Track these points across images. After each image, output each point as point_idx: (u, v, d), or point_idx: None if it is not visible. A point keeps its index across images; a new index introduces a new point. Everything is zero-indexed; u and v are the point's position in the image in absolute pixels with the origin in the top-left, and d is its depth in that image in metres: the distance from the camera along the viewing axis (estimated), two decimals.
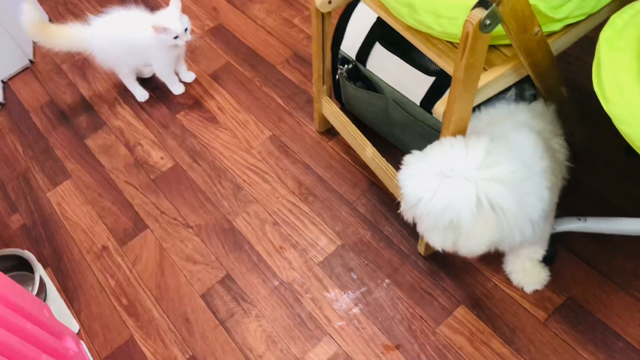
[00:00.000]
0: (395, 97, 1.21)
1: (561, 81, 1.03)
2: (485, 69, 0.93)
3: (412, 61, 1.17)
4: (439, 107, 0.94)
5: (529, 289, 1.14)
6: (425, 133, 1.18)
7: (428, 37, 0.99)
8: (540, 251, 1.09)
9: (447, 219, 0.87)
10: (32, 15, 1.52)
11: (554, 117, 1.05)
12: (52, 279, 1.35)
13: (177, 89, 1.68)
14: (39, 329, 1.01)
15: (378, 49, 1.23)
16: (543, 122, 1.01)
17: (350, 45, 1.30)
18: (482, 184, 0.86)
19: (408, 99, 1.18)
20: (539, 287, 1.14)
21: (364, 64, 1.27)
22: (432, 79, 1.14)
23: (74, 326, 1.27)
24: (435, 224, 0.90)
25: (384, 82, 1.23)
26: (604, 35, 0.78)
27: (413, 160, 0.93)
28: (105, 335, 1.26)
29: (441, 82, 1.13)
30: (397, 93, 1.20)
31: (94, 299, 1.31)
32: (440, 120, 0.95)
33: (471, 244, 0.90)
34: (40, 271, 1.30)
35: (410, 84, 1.18)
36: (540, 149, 0.94)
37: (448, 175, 0.87)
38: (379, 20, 1.21)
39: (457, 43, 0.97)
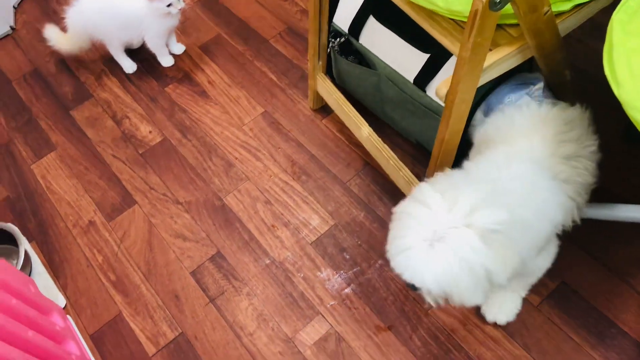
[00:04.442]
0: (388, 73, 1.18)
1: (566, 64, 1.02)
2: (490, 49, 0.91)
3: (407, 37, 1.14)
4: (442, 88, 0.91)
5: (494, 320, 1.09)
6: (417, 111, 1.16)
7: (431, 14, 0.96)
8: (528, 285, 1.06)
9: (476, 275, 0.79)
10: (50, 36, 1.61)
11: (590, 127, 0.96)
12: (37, 253, 1.32)
13: (166, 61, 1.63)
14: (24, 305, 0.98)
15: (372, 23, 1.20)
16: (573, 139, 0.92)
17: (343, 18, 1.26)
18: (473, 220, 0.79)
19: (401, 75, 1.16)
20: (501, 322, 1.08)
21: (357, 38, 1.24)
22: (426, 56, 1.11)
23: (61, 301, 1.24)
24: (472, 286, 0.81)
25: (377, 57, 1.20)
26: (617, 18, 0.76)
27: (405, 253, 0.82)
28: (92, 310, 1.23)
29: (436, 60, 1.10)
30: (390, 69, 1.17)
31: (80, 274, 1.28)
32: (442, 102, 0.93)
33: (503, 277, 0.82)
34: (25, 245, 1.27)
35: (404, 60, 1.15)
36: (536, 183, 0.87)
37: (444, 239, 0.78)
38: None
39: (461, 21, 0.95)
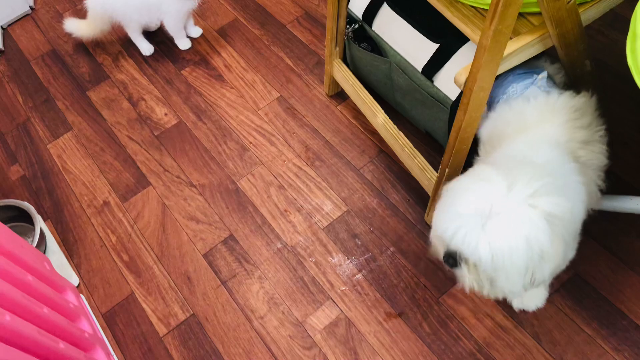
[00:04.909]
0: (398, 61, 1.17)
1: (587, 54, 1.01)
2: (510, 38, 0.91)
3: (419, 25, 1.13)
4: (461, 75, 0.91)
5: (521, 307, 1.09)
6: (425, 100, 1.15)
7: (452, 1, 0.95)
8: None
9: (532, 256, 0.78)
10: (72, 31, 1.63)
11: (597, 113, 0.96)
12: (52, 232, 1.34)
13: (184, 44, 1.63)
14: (39, 282, 0.99)
15: (385, 10, 1.19)
16: (584, 125, 0.93)
17: (358, 4, 1.26)
18: (538, 202, 0.78)
19: (410, 64, 1.15)
20: (541, 304, 1.08)
21: (370, 25, 1.23)
22: (436, 46, 1.10)
23: (74, 280, 1.26)
24: (523, 268, 0.79)
25: (388, 45, 1.20)
26: None
27: (450, 218, 0.81)
28: (105, 290, 1.25)
29: (445, 50, 1.09)
30: (400, 57, 1.17)
31: (94, 254, 1.30)
32: (461, 89, 0.92)
33: (549, 269, 0.81)
34: (40, 223, 1.28)
35: (414, 49, 1.14)
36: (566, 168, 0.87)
37: (502, 212, 0.77)
38: None
39: (482, 8, 0.94)
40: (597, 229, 1.17)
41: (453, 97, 1.07)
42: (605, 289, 1.10)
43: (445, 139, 1.16)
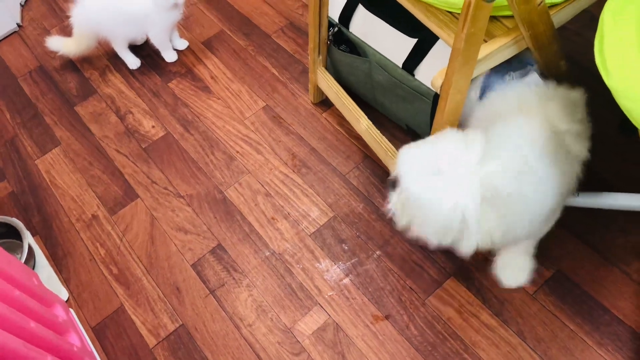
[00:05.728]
0: (378, 59, 1.20)
1: (561, 55, 1.02)
2: (485, 41, 0.92)
3: (395, 23, 1.16)
4: (437, 80, 0.92)
5: (511, 283, 1.11)
6: (407, 95, 1.18)
7: (427, 7, 0.97)
8: (533, 244, 1.08)
9: (455, 217, 0.85)
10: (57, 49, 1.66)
11: (574, 103, 0.98)
12: (41, 247, 1.34)
13: (170, 56, 1.65)
14: (27, 297, 1.00)
15: (361, 11, 1.22)
16: (578, 119, 0.95)
17: (333, 8, 1.28)
18: (486, 175, 0.84)
19: (390, 61, 1.17)
20: (519, 283, 1.10)
21: (347, 27, 1.26)
22: (414, 41, 1.13)
23: (63, 294, 1.26)
24: (440, 224, 0.87)
25: (367, 44, 1.22)
26: (608, 7, 0.76)
27: (410, 156, 0.91)
28: (94, 303, 1.25)
29: (423, 44, 1.11)
30: (380, 55, 1.19)
31: (83, 268, 1.30)
32: (438, 92, 0.94)
33: (473, 240, 0.88)
34: (28, 239, 1.29)
35: (393, 46, 1.17)
36: (547, 155, 0.90)
37: (449, 171, 0.85)
38: None
39: (457, 13, 0.96)
40: (579, 226, 1.18)
41: None
42: (588, 285, 1.11)
43: (427, 132, 1.18)
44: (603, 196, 1.10)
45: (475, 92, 1.08)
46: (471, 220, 0.85)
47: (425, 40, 1.10)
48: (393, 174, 0.94)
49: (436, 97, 1.10)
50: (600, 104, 1.02)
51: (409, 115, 1.22)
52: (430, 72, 1.10)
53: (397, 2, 1.02)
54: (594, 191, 1.13)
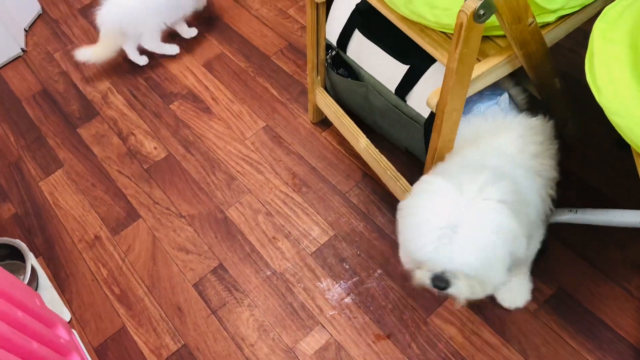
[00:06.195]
0: (373, 84, 1.22)
1: (555, 73, 1.04)
2: (479, 60, 0.94)
3: (389, 49, 1.18)
4: (432, 99, 0.94)
5: (512, 306, 1.12)
6: (401, 119, 1.19)
7: (422, 28, 0.99)
8: (528, 265, 1.08)
9: (508, 240, 0.82)
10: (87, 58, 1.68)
11: (551, 134, 1.01)
12: (43, 268, 1.35)
13: (190, 32, 1.76)
14: (30, 318, 1.00)
15: (357, 36, 1.24)
16: (537, 141, 0.98)
17: (331, 31, 1.30)
18: (488, 193, 0.82)
19: (384, 86, 1.19)
20: (520, 305, 1.11)
21: (345, 51, 1.28)
22: (406, 67, 1.14)
23: (66, 315, 1.27)
24: (504, 259, 0.82)
25: (363, 69, 1.23)
26: (598, 26, 0.78)
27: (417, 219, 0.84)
28: (97, 324, 1.26)
29: (415, 71, 1.13)
30: (375, 80, 1.21)
31: (85, 288, 1.31)
32: (434, 110, 0.95)
33: (522, 245, 0.84)
34: (31, 260, 1.30)
35: (387, 71, 1.18)
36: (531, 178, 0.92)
37: (457, 217, 0.80)
38: (359, 7, 1.21)
39: (452, 34, 0.97)
40: (579, 243, 1.18)
41: (426, 114, 1.11)
42: (589, 302, 1.11)
43: (423, 156, 1.19)
44: (601, 213, 1.10)
45: None
46: (515, 227, 0.82)
47: (417, 67, 1.12)
48: (428, 276, 0.86)
49: (427, 123, 1.11)
50: (596, 120, 1.03)
51: (405, 139, 1.23)
52: (422, 98, 1.11)
53: (391, 27, 1.04)
54: (593, 207, 1.13)
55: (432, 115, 1.09)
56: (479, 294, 0.86)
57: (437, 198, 0.83)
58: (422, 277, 0.88)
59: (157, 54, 1.73)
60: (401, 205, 0.89)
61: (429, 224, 0.81)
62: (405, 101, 1.14)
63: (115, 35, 1.63)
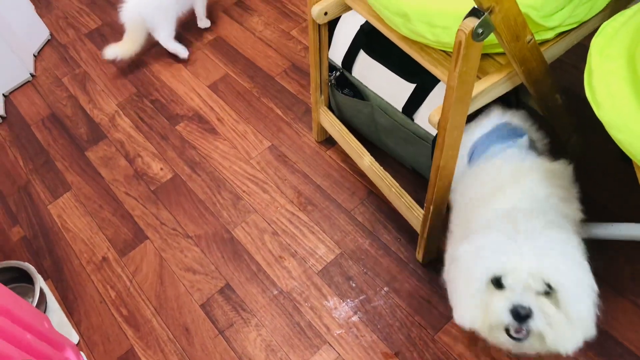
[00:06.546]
0: (379, 103, 1.22)
1: (556, 88, 1.04)
2: (479, 77, 0.95)
3: (395, 68, 1.19)
4: (434, 116, 0.94)
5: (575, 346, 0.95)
6: (408, 138, 1.20)
7: (422, 47, 1.00)
8: None
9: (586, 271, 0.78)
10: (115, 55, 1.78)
11: (573, 178, 0.97)
12: (52, 291, 1.36)
13: (205, 23, 1.89)
14: (38, 340, 1.01)
15: (362, 57, 1.25)
16: (562, 185, 0.94)
17: (336, 53, 1.32)
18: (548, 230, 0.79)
19: (391, 105, 1.20)
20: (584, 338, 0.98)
21: (350, 72, 1.29)
22: (413, 86, 1.16)
23: (74, 337, 1.27)
24: (591, 288, 0.78)
25: (368, 89, 1.25)
26: (595, 42, 0.79)
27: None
28: (105, 346, 1.26)
29: (421, 89, 1.14)
30: (381, 99, 1.22)
31: (93, 310, 1.32)
32: (435, 128, 0.96)
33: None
34: (40, 283, 1.31)
35: (393, 90, 1.19)
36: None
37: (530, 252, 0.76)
38: (363, 28, 1.23)
39: (452, 52, 0.98)
40: (587, 258, 1.17)
41: (434, 132, 1.11)
42: (599, 317, 1.10)
43: (429, 173, 1.19)
44: (609, 227, 1.10)
45: (465, 156, 1.07)
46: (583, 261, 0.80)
47: (423, 86, 1.13)
48: (514, 303, 0.77)
49: (435, 140, 1.12)
50: (600, 135, 1.03)
51: (411, 156, 1.24)
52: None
53: (396, 48, 1.06)
54: (599, 221, 1.13)
55: None
56: (565, 337, 0.76)
57: (501, 241, 0.77)
58: (498, 310, 0.77)
59: (166, 55, 1.78)
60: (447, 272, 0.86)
61: (500, 265, 0.75)
62: (412, 119, 1.15)
63: (139, 28, 1.73)
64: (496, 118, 1.06)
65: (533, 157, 0.97)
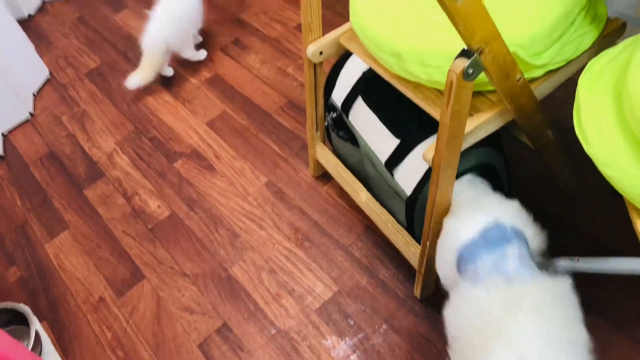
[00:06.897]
0: (366, 152, 1.23)
1: (547, 124, 1.06)
2: (471, 114, 0.96)
3: (385, 120, 1.17)
4: (428, 153, 0.95)
5: None
6: (389, 191, 1.19)
7: (416, 86, 1.02)
8: None
9: None
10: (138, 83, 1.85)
11: (571, 296, 0.88)
12: (47, 332, 1.34)
13: (201, 55, 1.96)
14: None
15: (359, 103, 1.26)
16: (564, 314, 0.86)
17: (338, 95, 1.33)
18: None
19: (377, 156, 1.20)
20: None
21: (347, 115, 1.30)
22: (397, 141, 1.13)
23: None
24: None
25: (359, 135, 1.25)
26: (583, 80, 0.80)
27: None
28: None
29: (405, 146, 1.12)
30: (369, 148, 1.22)
31: (89, 352, 1.30)
32: (430, 165, 0.97)
33: None
34: (36, 325, 1.29)
35: (380, 142, 1.19)
36: None
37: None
38: (364, 75, 1.25)
39: (443, 90, 1.00)
40: (584, 293, 1.17)
41: (408, 192, 1.10)
42: (597, 352, 1.09)
43: (406, 230, 1.19)
44: (604, 261, 1.09)
45: (453, 261, 0.96)
46: None
47: (407, 142, 1.11)
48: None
49: (409, 201, 1.11)
50: (591, 171, 1.04)
51: (391, 211, 1.24)
52: (408, 174, 1.10)
53: (391, 100, 1.07)
54: (595, 256, 1.13)
55: (414, 193, 1.10)
56: None
57: None
58: None
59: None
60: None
61: None
62: (392, 175, 1.14)
63: (161, 54, 1.82)
64: (482, 217, 0.93)
65: (527, 275, 0.87)
